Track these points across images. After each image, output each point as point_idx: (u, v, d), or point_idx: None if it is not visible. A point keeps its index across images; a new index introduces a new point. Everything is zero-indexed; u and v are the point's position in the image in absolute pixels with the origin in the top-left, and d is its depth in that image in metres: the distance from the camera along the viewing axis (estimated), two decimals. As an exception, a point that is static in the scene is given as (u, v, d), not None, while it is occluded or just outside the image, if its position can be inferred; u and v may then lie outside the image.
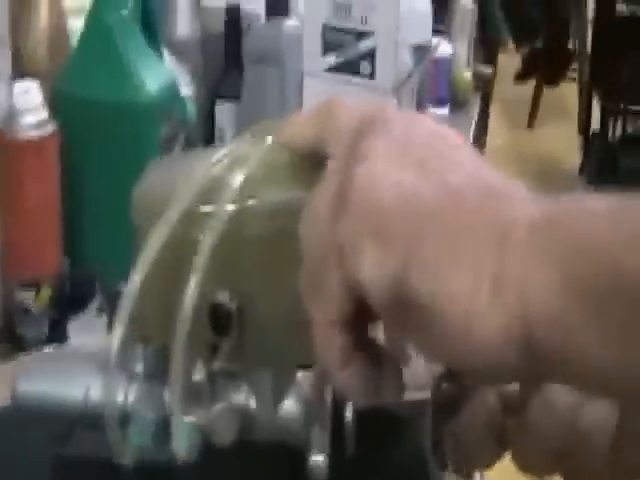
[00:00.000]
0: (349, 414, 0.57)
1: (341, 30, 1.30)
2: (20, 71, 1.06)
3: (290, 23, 1.40)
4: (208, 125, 1.47)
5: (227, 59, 1.46)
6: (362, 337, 0.45)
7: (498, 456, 0.55)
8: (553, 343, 0.38)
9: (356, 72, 1.30)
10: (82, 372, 0.54)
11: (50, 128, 1.01)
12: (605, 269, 0.36)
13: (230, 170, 0.48)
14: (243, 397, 0.55)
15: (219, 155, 0.48)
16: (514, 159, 3.92)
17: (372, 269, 0.40)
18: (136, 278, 0.49)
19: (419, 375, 0.57)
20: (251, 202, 0.48)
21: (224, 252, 0.49)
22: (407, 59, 1.33)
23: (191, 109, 1.28)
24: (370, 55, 1.30)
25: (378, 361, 0.45)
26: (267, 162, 0.49)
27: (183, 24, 1.50)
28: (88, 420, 0.54)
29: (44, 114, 1.00)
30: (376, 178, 0.41)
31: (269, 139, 0.49)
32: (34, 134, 0.99)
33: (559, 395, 0.51)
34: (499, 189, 0.41)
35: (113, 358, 0.49)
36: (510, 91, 4.15)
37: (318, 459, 0.55)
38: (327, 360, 0.44)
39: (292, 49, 1.39)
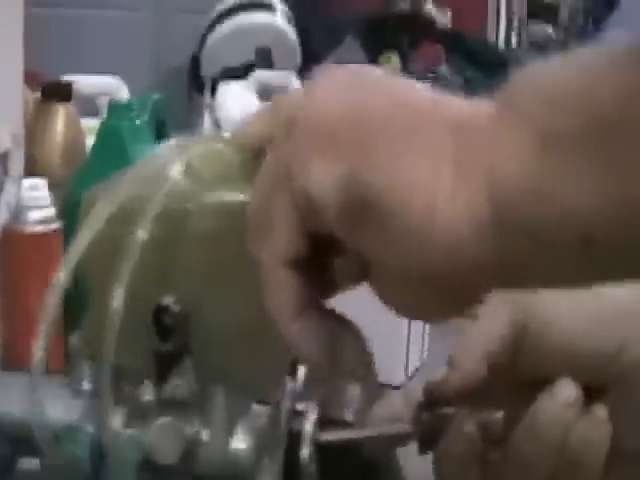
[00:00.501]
0: (305, 450, 0.54)
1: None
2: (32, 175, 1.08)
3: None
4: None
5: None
6: (317, 298, 0.43)
7: None
8: (530, 212, 0.35)
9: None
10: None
11: (56, 225, 1.02)
12: (581, 116, 0.35)
13: (170, 163, 0.48)
14: (193, 426, 0.53)
15: (163, 150, 0.48)
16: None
17: (321, 176, 0.39)
18: (60, 276, 0.48)
19: (397, 406, 0.55)
20: (197, 200, 0.48)
21: (168, 251, 0.48)
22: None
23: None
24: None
25: (337, 326, 0.43)
26: (217, 162, 0.49)
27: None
28: (32, 441, 0.53)
29: (51, 211, 1.01)
30: (322, 97, 0.40)
31: (221, 137, 0.49)
32: (39, 229, 1.00)
33: (546, 418, 0.49)
34: (451, 98, 0.40)
35: (35, 369, 0.48)
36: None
37: (266, 485, 0.52)
38: (277, 309, 0.41)
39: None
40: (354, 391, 0.66)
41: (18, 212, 1.00)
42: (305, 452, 0.54)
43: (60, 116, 1.13)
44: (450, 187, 0.37)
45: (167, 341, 0.49)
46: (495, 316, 0.51)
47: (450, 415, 0.52)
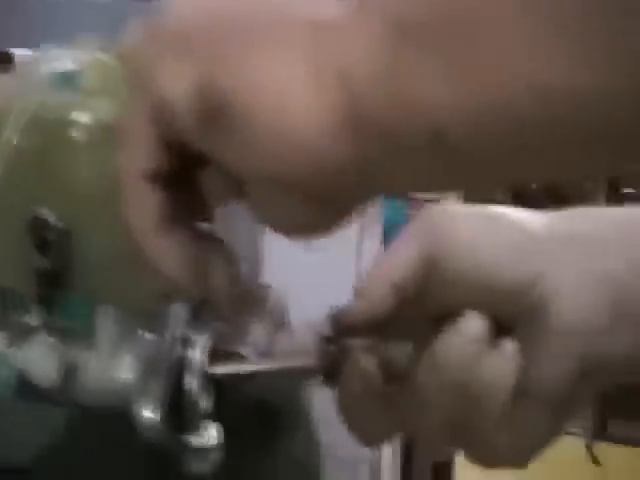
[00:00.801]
0: (192, 380, 0.53)
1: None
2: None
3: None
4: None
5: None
6: (185, 215, 0.41)
7: (394, 429, 0.50)
8: (383, 110, 0.34)
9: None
10: None
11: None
12: (434, 8, 0.34)
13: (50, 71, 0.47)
14: (76, 350, 0.52)
15: (44, 56, 0.47)
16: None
17: (174, 81, 0.38)
18: None
19: (303, 339, 0.53)
20: (81, 111, 0.47)
21: (47, 162, 0.47)
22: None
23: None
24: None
25: (206, 245, 0.42)
26: (104, 74, 0.48)
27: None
28: None
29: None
30: (181, 3, 0.40)
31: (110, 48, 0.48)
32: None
33: (449, 353, 0.47)
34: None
35: None
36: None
37: (147, 413, 0.50)
38: (137, 223, 0.40)
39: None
40: (258, 325, 0.64)
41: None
42: (192, 382, 0.53)
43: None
44: (306, 88, 0.36)
45: (46, 256, 0.48)
46: (404, 247, 0.49)
47: (349, 348, 0.50)
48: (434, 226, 0.49)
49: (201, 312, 0.61)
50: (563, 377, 0.46)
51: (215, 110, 0.37)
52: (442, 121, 0.34)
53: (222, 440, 0.60)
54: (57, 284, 0.50)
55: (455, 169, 0.36)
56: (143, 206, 0.41)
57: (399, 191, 0.40)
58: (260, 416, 0.62)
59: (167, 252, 0.41)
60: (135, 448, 0.62)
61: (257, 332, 0.63)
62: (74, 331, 0.52)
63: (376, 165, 0.36)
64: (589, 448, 2.05)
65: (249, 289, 0.53)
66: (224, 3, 0.39)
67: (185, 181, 0.42)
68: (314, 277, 1.20)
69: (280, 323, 0.67)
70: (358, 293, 0.50)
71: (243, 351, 0.60)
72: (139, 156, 0.40)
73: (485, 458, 0.49)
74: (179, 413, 0.53)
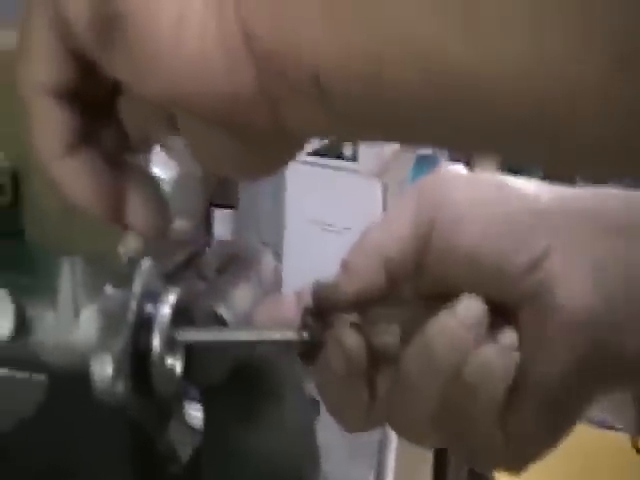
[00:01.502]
0: (156, 339, 0.49)
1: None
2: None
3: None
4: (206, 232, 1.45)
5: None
6: (101, 145, 0.38)
7: (379, 418, 0.45)
8: (270, 39, 0.31)
9: (339, 155, 1.25)
10: None
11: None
12: None
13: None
14: (36, 306, 0.49)
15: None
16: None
17: None
18: None
19: (287, 309, 0.49)
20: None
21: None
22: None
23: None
24: (353, 137, 1.26)
25: (122, 171, 0.39)
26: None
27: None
28: None
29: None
30: None
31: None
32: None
33: (440, 338, 0.42)
34: None
35: None
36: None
37: (102, 370, 0.47)
38: (40, 144, 0.36)
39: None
40: (243, 288, 0.60)
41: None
42: (156, 341, 0.49)
43: None
44: (200, 9, 0.32)
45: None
46: (400, 216, 0.44)
47: (332, 323, 0.45)
48: (435, 194, 0.44)
49: (179, 268, 0.57)
50: (565, 374, 0.41)
51: (110, 20, 0.33)
52: (317, 65, 0.31)
53: (200, 421, 0.56)
54: (9, 227, 0.46)
55: (339, 119, 0.32)
56: (46, 125, 0.37)
57: (308, 134, 0.36)
58: (241, 381, 0.58)
59: (74, 177, 0.37)
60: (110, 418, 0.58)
61: (240, 295, 0.59)
62: (32, 284, 0.49)
63: (276, 98, 0.33)
64: (633, 439, 1.99)
65: (235, 248, 0.49)
66: None
67: (109, 109, 0.39)
68: (334, 257, 1.16)
69: (270, 290, 0.63)
70: (345, 266, 0.45)
71: (220, 311, 0.56)
72: (39, 67, 0.36)
73: (478, 460, 0.44)
74: (147, 379, 0.49)
